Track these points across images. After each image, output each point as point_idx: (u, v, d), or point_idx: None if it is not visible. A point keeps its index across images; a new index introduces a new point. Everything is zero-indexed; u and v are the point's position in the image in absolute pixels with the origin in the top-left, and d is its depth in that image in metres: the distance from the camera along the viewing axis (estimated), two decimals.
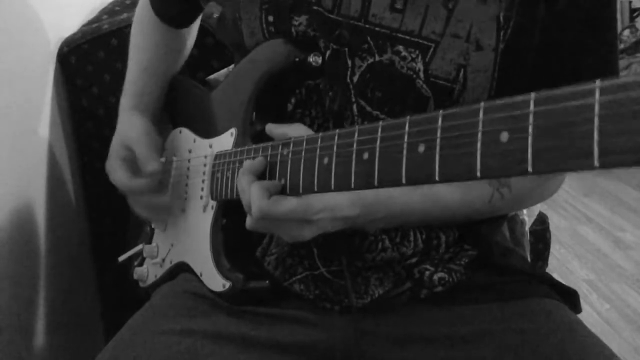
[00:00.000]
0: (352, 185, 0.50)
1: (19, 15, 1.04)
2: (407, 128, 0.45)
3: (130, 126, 0.86)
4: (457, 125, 0.41)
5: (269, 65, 0.71)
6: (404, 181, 0.45)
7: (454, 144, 0.41)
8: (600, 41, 0.69)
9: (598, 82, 0.32)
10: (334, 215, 0.61)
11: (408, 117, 0.45)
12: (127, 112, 0.89)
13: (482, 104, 0.39)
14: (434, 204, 0.69)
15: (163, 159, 0.84)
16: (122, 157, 0.84)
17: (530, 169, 0.35)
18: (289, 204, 0.59)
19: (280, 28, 0.70)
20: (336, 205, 0.61)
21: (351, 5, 0.67)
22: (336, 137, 0.53)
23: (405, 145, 0.45)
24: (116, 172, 0.84)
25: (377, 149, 0.47)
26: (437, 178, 0.42)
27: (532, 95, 0.36)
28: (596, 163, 0.32)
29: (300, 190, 0.58)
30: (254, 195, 0.60)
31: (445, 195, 0.69)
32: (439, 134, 0.42)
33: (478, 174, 0.39)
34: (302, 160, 0.57)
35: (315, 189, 0.55)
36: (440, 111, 0.42)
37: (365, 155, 0.49)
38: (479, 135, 0.39)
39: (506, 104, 0.37)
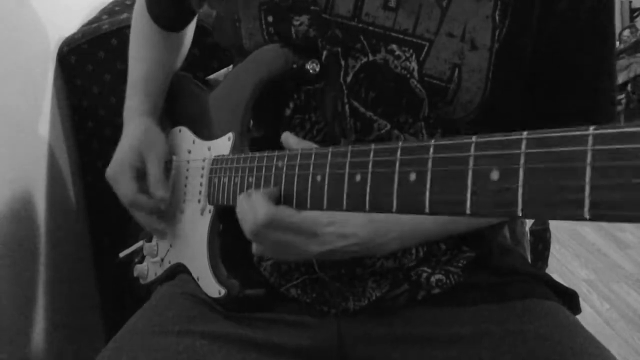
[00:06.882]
0: (344, 207, 0.50)
1: (19, 15, 1.04)
2: (398, 154, 0.44)
3: (143, 133, 0.84)
4: (448, 158, 0.40)
5: (267, 72, 0.70)
6: (394, 209, 0.44)
7: (444, 177, 0.40)
8: (599, 42, 0.68)
9: (592, 129, 0.31)
10: (343, 231, 0.61)
11: (400, 144, 0.44)
12: (136, 117, 0.87)
13: (474, 138, 0.38)
14: (445, 221, 0.69)
15: None
16: (131, 164, 0.82)
17: (520, 213, 0.34)
18: (298, 214, 0.58)
19: (280, 28, 0.70)
20: (347, 220, 0.61)
21: (343, 4, 0.67)
22: (329, 156, 0.52)
23: (396, 173, 0.44)
24: (124, 180, 0.81)
25: (369, 173, 0.47)
26: (427, 210, 0.41)
27: (525, 134, 0.35)
28: (586, 215, 0.31)
29: (294, 206, 0.57)
30: (259, 203, 0.58)
31: None
32: (429, 166, 0.41)
33: (468, 210, 0.38)
34: (296, 176, 0.57)
35: (309, 206, 0.55)
36: (432, 141, 0.41)
37: (358, 178, 0.48)
38: (470, 171, 0.38)
39: (498, 141, 0.36)
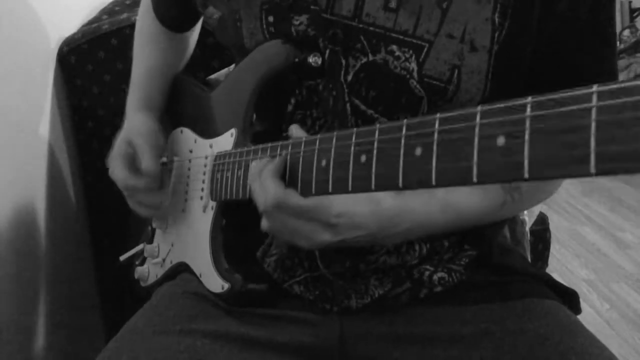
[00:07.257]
0: (350, 188, 0.50)
1: (19, 15, 1.04)
2: (404, 131, 0.44)
3: (136, 123, 0.87)
4: (454, 129, 0.40)
5: (269, 66, 0.70)
6: (400, 185, 0.44)
7: (451, 148, 0.40)
8: (599, 42, 0.68)
9: (596, 87, 0.32)
10: (354, 222, 0.61)
11: (405, 120, 0.45)
12: (134, 112, 0.89)
13: (479, 107, 0.38)
14: (453, 214, 0.68)
15: (164, 159, 0.84)
16: (123, 153, 0.84)
17: (526, 175, 0.35)
18: (306, 200, 0.58)
19: (280, 28, 0.70)
20: (356, 212, 0.61)
21: (344, 4, 0.67)
22: (334, 140, 0.52)
23: (402, 149, 0.44)
24: (115, 167, 0.84)
25: (375, 152, 0.47)
26: (433, 183, 0.41)
27: (529, 99, 0.35)
28: (592, 170, 0.31)
29: (298, 192, 0.58)
30: (267, 183, 0.59)
31: (463, 204, 0.69)
32: (435, 138, 0.41)
33: (474, 179, 0.38)
34: (300, 163, 0.57)
35: (313, 191, 0.55)
36: (438, 114, 0.42)
37: (363, 158, 0.48)
38: (476, 139, 0.38)
39: (503, 108, 0.37)
